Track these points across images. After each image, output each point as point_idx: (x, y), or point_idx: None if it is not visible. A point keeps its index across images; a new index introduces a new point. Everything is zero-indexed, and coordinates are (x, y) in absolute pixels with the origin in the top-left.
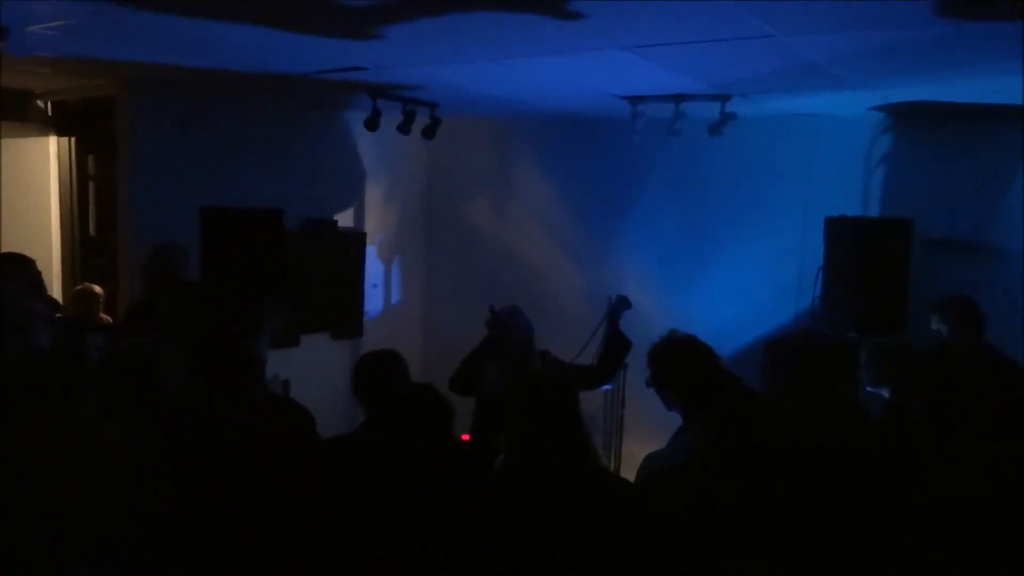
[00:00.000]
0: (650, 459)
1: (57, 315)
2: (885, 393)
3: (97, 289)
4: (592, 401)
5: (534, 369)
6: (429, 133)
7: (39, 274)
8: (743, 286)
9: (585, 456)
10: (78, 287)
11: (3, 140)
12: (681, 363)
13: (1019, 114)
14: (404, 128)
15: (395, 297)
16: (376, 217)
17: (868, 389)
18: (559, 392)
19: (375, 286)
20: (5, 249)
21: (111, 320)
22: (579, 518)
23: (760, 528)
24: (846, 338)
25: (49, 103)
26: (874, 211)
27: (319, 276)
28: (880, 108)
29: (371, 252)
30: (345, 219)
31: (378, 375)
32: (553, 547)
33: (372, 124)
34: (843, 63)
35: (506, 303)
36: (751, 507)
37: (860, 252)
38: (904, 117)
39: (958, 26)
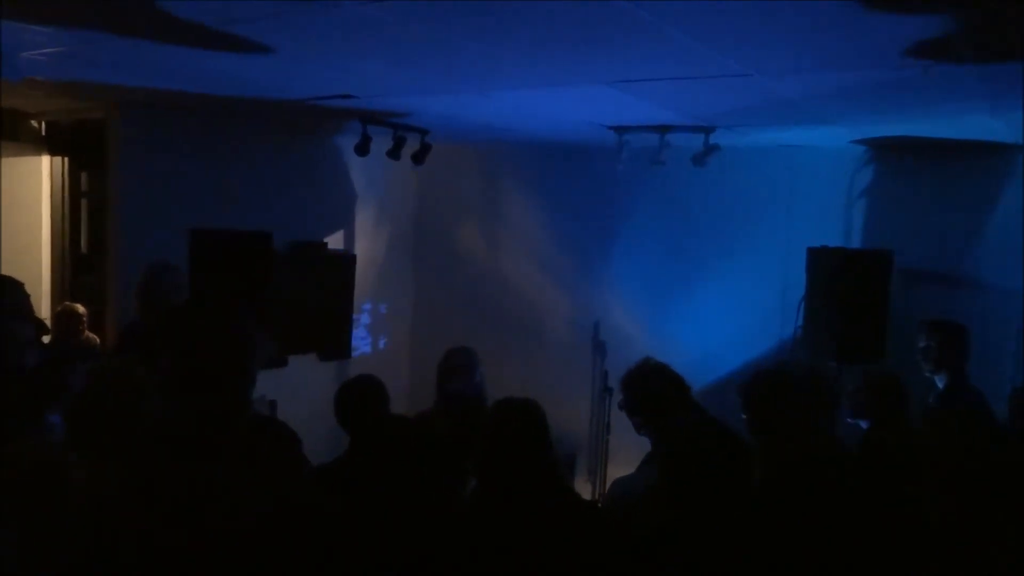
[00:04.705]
0: (617, 484)
1: (44, 338)
2: (863, 424)
3: (80, 308)
4: (578, 426)
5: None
6: (419, 159)
7: (27, 297)
8: (726, 314)
9: (553, 481)
10: (59, 307)
11: None
12: (651, 390)
13: (997, 149)
14: (394, 153)
15: (383, 320)
16: (365, 240)
17: (848, 420)
18: (527, 417)
19: (363, 308)
20: None
21: (97, 339)
22: (547, 544)
23: (724, 558)
24: (824, 369)
25: (43, 123)
26: (855, 242)
27: (308, 297)
28: (861, 141)
29: (359, 274)
30: (335, 242)
31: (358, 402)
32: (522, 573)
33: (362, 149)
34: (819, 101)
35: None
36: (714, 536)
37: (841, 282)
38: (885, 150)
39: (925, 68)
